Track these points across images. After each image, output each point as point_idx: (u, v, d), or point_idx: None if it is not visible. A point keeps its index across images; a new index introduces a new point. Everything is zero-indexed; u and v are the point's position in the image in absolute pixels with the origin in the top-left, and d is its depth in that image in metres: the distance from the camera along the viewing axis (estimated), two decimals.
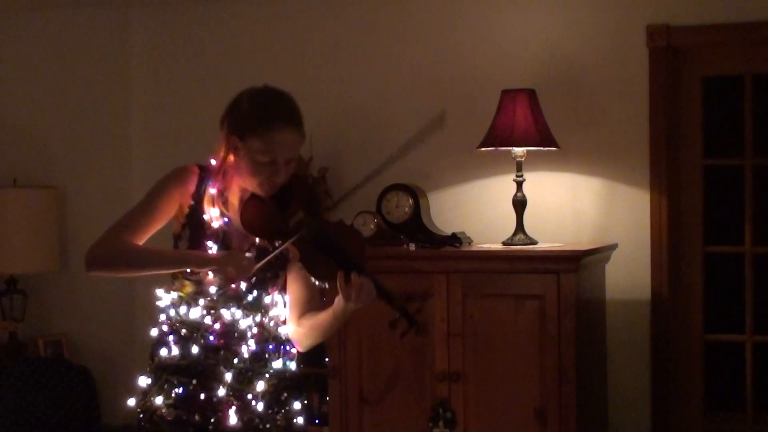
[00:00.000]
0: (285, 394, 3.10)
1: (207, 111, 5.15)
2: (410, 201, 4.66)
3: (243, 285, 3.01)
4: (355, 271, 2.92)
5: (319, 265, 2.94)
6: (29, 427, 4.87)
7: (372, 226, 4.62)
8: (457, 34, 4.86)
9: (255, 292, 3.04)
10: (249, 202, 2.99)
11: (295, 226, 2.94)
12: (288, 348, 3.13)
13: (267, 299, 3.07)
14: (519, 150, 4.43)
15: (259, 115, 2.94)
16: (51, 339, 5.34)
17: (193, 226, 3.02)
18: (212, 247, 2.99)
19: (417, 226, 4.61)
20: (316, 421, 4.67)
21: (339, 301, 2.99)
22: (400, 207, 4.68)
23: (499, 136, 4.41)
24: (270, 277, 3.08)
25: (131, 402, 3.07)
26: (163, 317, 3.06)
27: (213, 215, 3.01)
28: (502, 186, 4.68)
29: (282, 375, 3.09)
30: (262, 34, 5.20)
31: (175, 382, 3.00)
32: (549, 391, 4.15)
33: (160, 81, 5.39)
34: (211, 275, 2.98)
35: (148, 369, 3.06)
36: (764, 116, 4.59)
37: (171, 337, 3.02)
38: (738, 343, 4.61)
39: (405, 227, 4.62)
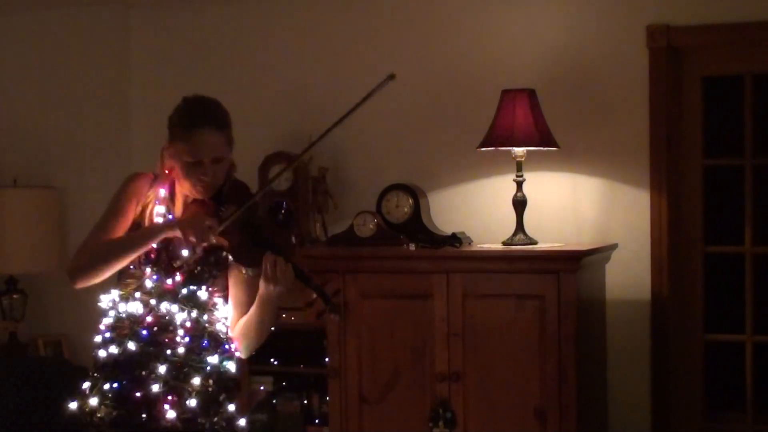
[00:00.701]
0: (222, 395, 3.15)
1: None
2: (410, 201, 4.66)
3: (178, 277, 3.14)
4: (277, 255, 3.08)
5: (246, 253, 3.12)
6: (29, 427, 4.87)
7: (372, 226, 4.62)
8: (457, 34, 4.86)
9: (188, 288, 3.15)
10: (190, 204, 3.19)
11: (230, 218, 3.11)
12: (227, 347, 3.20)
13: (203, 295, 3.16)
14: (519, 150, 4.43)
15: (182, 120, 3.17)
16: (51, 339, 5.35)
17: (142, 223, 3.20)
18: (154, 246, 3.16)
19: (417, 226, 4.61)
20: (316, 421, 4.67)
21: (262, 287, 3.12)
22: (400, 207, 4.68)
23: (499, 136, 4.41)
24: (205, 275, 3.19)
25: (72, 405, 3.14)
26: (104, 320, 3.21)
27: (158, 212, 3.19)
28: (502, 186, 4.68)
29: (219, 374, 3.15)
30: (262, 34, 5.20)
31: (111, 381, 3.09)
32: (549, 391, 4.15)
33: (160, 81, 5.39)
34: (149, 270, 3.14)
35: (90, 374, 3.17)
36: (764, 116, 4.59)
37: (108, 335, 3.16)
38: (738, 343, 4.61)
39: (405, 227, 4.62)
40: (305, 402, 4.73)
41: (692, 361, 4.62)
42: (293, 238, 3.55)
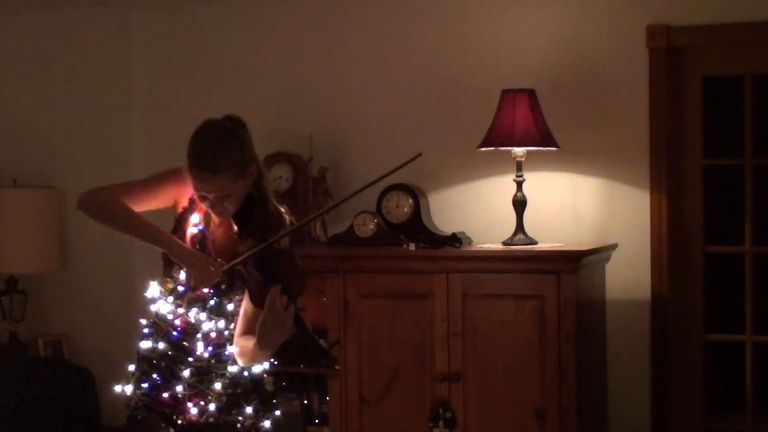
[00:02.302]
0: (241, 398, 3.24)
1: (207, 111, 5.17)
2: (410, 201, 4.66)
3: (205, 289, 3.19)
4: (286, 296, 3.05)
5: (256, 291, 3.09)
6: (29, 427, 4.87)
7: (372, 226, 4.62)
8: (458, 34, 4.86)
9: (216, 298, 3.21)
10: (219, 223, 3.22)
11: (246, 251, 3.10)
12: None
13: (230, 307, 3.23)
14: (519, 150, 4.43)
15: (187, 153, 3.14)
16: (51, 339, 5.35)
17: (179, 224, 3.24)
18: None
19: (417, 226, 4.61)
20: (316, 421, 4.67)
21: (259, 326, 3.09)
22: (400, 207, 4.68)
23: (499, 136, 4.41)
24: (229, 289, 3.23)
25: (118, 388, 3.28)
26: (148, 311, 3.28)
27: (193, 221, 3.22)
28: (502, 186, 4.68)
29: (238, 380, 3.23)
30: (262, 34, 5.20)
31: (143, 375, 3.21)
32: (549, 391, 4.15)
33: (160, 81, 5.39)
34: (183, 276, 3.18)
35: (135, 357, 3.29)
36: (764, 116, 4.59)
37: (146, 330, 3.26)
38: (738, 343, 4.61)
39: (405, 227, 4.62)
40: (305, 402, 4.73)
41: (692, 361, 4.62)
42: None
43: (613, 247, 4.56)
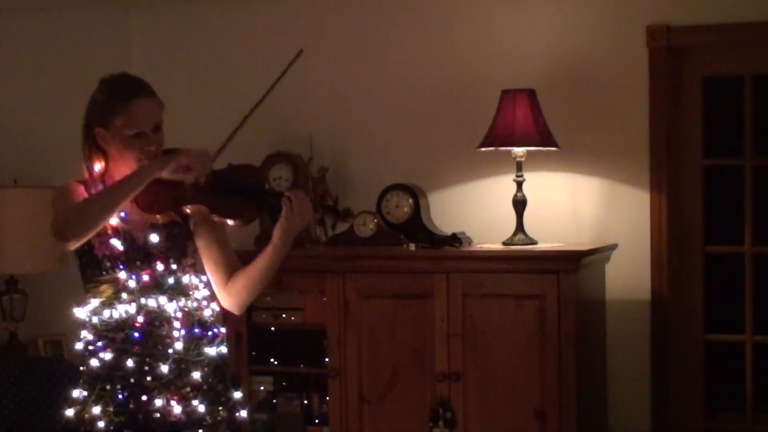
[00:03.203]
0: (221, 385, 3.12)
1: (207, 111, 5.19)
2: (410, 201, 4.66)
3: (159, 267, 3.05)
4: (267, 196, 3.06)
5: (232, 206, 3.05)
6: (29, 427, 4.86)
7: (372, 226, 4.62)
8: (457, 34, 4.86)
9: (171, 276, 3.07)
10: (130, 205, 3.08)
11: (191, 187, 3.03)
12: (216, 331, 3.15)
13: (185, 279, 3.11)
14: (519, 150, 4.43)
15: (115, 95, 3.08)
16: (51, 339, 5.34)
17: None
18: (117, 244, 3.05)
19: (417, 226, 4.61)
20: (316, 421, 4.67)
21: (280, 231, 3.04)
22: (400, 207, 4.68)
23: (499, 136, 4.41)
24: (176, 251, 3.10)
25: (69, 413, 3.07)
26: (84, 330, 3.07)
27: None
28: (502, 186, 4.68)
29: (216, 363, 3.11)
30: (262, 34, 5.19)
31: (111, 389, 3.01)
32: (549, 391, 4.15)
33: (160, 81, 5.37)
34: (123, 275, 3.04)
35: (81, 381, 3.07)
36: (764, 116, 4.59)
37: (100, 343, 3.04)
38: (738, 343, 4.61)
39: (405, 227, 4.62)
40: (305, 402, 4.72)
41: (692, 361, 4.62)
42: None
43: (613, 247, 4.56)
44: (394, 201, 4.68)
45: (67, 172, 5.35)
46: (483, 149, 4.48)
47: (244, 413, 3.17)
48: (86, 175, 3.12)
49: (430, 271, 4.32)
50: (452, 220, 4.79)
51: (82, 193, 3.06)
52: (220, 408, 3.09)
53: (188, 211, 3.07)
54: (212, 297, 3.20)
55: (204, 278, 3.18)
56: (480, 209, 4.80)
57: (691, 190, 4.61)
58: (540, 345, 4.16)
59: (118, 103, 3.07)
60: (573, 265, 4.12)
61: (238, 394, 3.15)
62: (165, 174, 3.00)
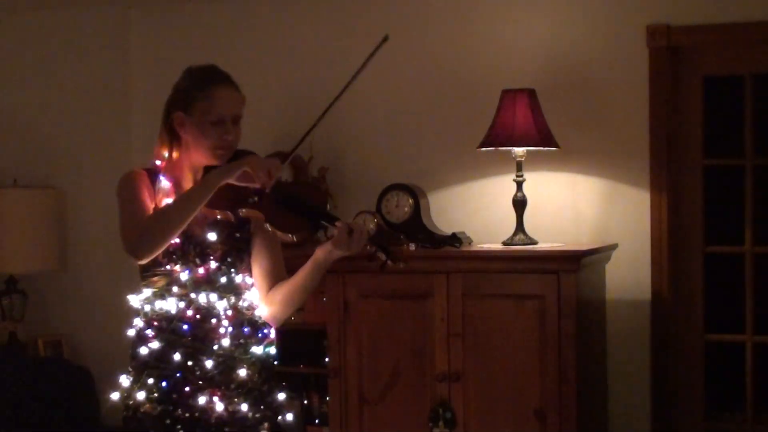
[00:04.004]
0: (266, 386, 3.12)
1: None
2: (410, 201, 4.66)
3: (213, 264, 3.06)
4: (325, 218, 3.06)
5: (288, 220, 3.06)
6: (29, 428, 4.87)
7: (372, 226, 4.62)
8: (458, 34, 4.86)
9: (224, 276, 3.08)
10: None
11: (254, 192, 3.03)
12: (266, 332, 3.17)
13: (238, 279, 3.12)
14: (519, 150, 4.43)
15: (198, 81, 3.09)
16: (51, 339, 5.35)
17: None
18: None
19: (417, 226, 4.61)
20: (316, 421, 4.67)
21: (324, 252, 3.07)
22: (400, 207, 4.67)
23: (499, 136, 4.41)
24: (234, 254, 3.12)
25: (114, 396, 3.10)
26: (137, 317, 3.10)
27: (165, 188, 3.07)
28: (502, 186, 4.68)
29: (263, 363, 3.12)
30: (262, 35, 5.20)
31: (156, 377, 3.02)
32: (549, 391, 4.15)
33: (160, 81, 5.37)
34: (178, 268, 3.05)
35: (129, 369, 3.09)
36: (764, 116, 4.59)
37: (149, 332, 3.05)
38: (738, 343, 4.61)
39: (405, 227, 4.62)
40: (305, 402, 4.73)
41: (692, 361, 4.62)
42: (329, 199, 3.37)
43: (613, 247, 4.56)
44: (394, 201, 4.68)
45: (68, 172, 5.41)
46: (483, 149, 4.48)
47: (289, 416, 3.19)
48: (155, 161, 3.11)
49: (430, 271, 4.32)
50: (452, 220, 4.79)
51: (146, 184, 3.04)
52: (263, 407, 3.09)
53: (244, 213, 3.07)
54: None
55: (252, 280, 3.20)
56: (480, 209, 4.80)
57: (691, 190, 4.61)
58: (540, 345, 4.16)
59: (201, 88, 3.07)
60: (573, 265, 4.12)
61: (282, 396, 3.16)
62: (231, 181, 2.99)
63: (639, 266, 4.59)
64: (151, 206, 3.02)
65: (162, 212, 2.97)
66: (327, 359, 4.50)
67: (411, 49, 4.93)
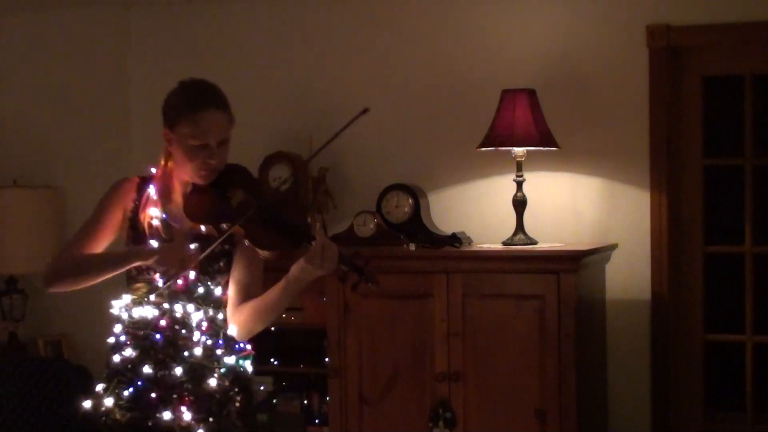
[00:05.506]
0: (238, 396, 3.12)
1: None
2: (410, 201, 4.66)
3: (192, 275, 3.08)
4: (304, 238, 3.03)
5: (268, 237, 3.05)
6: (29, 427, 4.87)
7: (372, 226, 4.62)
8: (458, 33, 4.86)
9: (203, 287, 3.09)
10: (191, 193, 3.11)
11: (238, 207, 3.05)
12: (242, 345, 3.17)
13: (218, 291, 3.13)
14: (519, 150, 4.43)
15: (185, 102, 3.06)
16: (51, 339, 5.35)
17: (135, 229, 3.13)
18: (154, 245, 3.08)
19: (417, 226, 4.61)
20: (316, 421, 4.67)
21: (298, 269, 3.04)
22: (400, 207, 4.68)
23: (499, 136, 4.41)
24: (219, 268, 3.13)
25: (86, 404, 3.11)
26: (117, 325, 3.14)
27: (153, 215, 3.11)
28: (502, 186, 4.68)
29: (236, 374, 3.12)
30: (262, 34, 5.20)
31: (125, 384, 3.04)
32: (549, 391, 4.15)
33: (160, 81, 5.36)
34: (157, 276, 3.07)
35: (103, 376, 3.13)
36: (764, 116, 4.59)
37: (123, 338, 3.10)
38: (738, 343, 4.61)
39: (405, 227, 4.62)
40: (305, 402, 4.72)
41: (692, 361, 4.62)
42: (311, 219, 3.38)
43: (613, 247, 4.56)
44: (394, 201, 4.68)
45: (68, 172, 5.40)
46: (483, 149, 4.48)
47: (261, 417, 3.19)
48: (152, 167, 3.18)
49: (430, 271, 4.32)
50: (452, 220, 4.79)
51: (130, 198, 3.14)
52: (232, 417, 3.10)
53: (226, 228, 3.06)
54: None
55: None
56: (480, 209, 4.80)
57: (691, 190, 4.62)
58: (540, 345, 4.16)
59: (186, 111, 3.05)
60: (573, 265, 4.12)
61: (261, 416, 3.17)
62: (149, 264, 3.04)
63: (639, 266, 4.59)
64: (107, 235, 3.14)
65: (82, 261, 3.08)
66: (327, 359, 4.50)
67: (411, 49, 4.93)
